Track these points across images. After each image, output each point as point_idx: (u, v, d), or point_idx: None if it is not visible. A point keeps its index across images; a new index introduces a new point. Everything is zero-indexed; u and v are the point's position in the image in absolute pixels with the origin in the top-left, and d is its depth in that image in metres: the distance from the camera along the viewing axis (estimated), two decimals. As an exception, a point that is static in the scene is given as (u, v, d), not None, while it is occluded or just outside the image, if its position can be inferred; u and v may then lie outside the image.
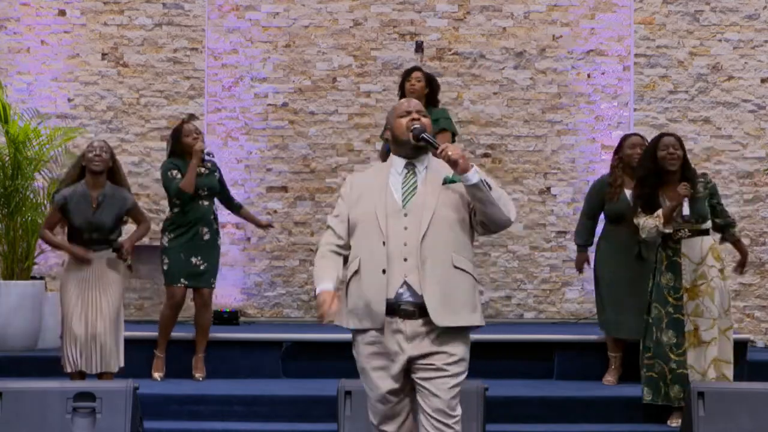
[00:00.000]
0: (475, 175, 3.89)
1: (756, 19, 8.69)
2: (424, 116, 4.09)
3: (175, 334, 7.12)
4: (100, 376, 6.26)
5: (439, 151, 3.94)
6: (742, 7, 8.69)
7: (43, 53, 8.63)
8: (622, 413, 6.37)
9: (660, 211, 6.06)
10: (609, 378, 6.85)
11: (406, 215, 4.00)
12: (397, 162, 4.13)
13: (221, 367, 7.11)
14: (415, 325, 3.97)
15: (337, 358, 6.90)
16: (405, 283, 3.96)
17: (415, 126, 4.04)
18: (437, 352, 3.97)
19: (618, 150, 6.92)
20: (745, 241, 8.60)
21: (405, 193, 4.05)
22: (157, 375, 6.89)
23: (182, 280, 6.83)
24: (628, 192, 6.75)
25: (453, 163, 3.89)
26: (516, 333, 7.56)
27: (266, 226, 7.49)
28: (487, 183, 3.91)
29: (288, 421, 6.27)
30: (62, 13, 8.64)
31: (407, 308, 3.96)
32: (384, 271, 3.96)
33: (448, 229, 3.99)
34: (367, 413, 4.14)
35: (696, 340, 6.06)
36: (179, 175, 6.78)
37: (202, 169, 6.89)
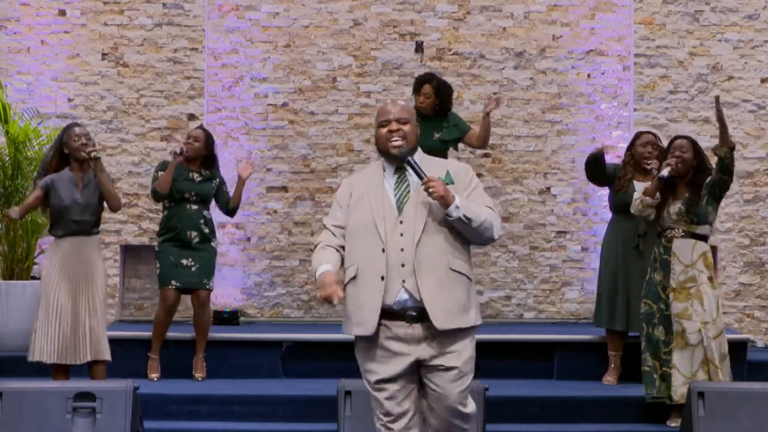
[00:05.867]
0: (455, 210, 3.96)
1: (756, 19, 8.68)
2: (404, 123, 4.10)
3: (175, 334, 7.13)
4: (91, 368, 6.21)
5: (423, 184, 3.99)
6: (742, 7, 8.68)
7: (43, 53, 8.62)
8: (622, 413, 6.37)
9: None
10: (609, 378, 6.86)
11: (402, 222, 4.04)
12: (388, 166, 4.16)
13: (221, 367, 7.11)
14: (421, 329, 4.01)
15: (337, 358, 6.91)
16: (403, 288, 3.99)
17: (401, 149, 4.06)
18: (445, 353, 4.03)
19: (630, 146, 6.92)
20: (745, 241, 8.62)
21: (399, 199, 4.08)
22: (153, 376, 6.90)
23: (173, 282, 6.87)
24: (637, 184, 6.72)
25: (436, 199, 3.97)
26: (516, 333, 7.55)
27: (245, 174, 7.07)
28: (467, 217, 3.97)
29: (288, 421, 6.28)
30: (62, 13, 8.63)
31: (412, 313, 4.00)
32: (383, 278, 3.99)
33: (442, 233, 4.04)
34: (368, 414, 4.15)
35: (683, 342, 6.05)
36: None
37: (196, 175, 6.95)
